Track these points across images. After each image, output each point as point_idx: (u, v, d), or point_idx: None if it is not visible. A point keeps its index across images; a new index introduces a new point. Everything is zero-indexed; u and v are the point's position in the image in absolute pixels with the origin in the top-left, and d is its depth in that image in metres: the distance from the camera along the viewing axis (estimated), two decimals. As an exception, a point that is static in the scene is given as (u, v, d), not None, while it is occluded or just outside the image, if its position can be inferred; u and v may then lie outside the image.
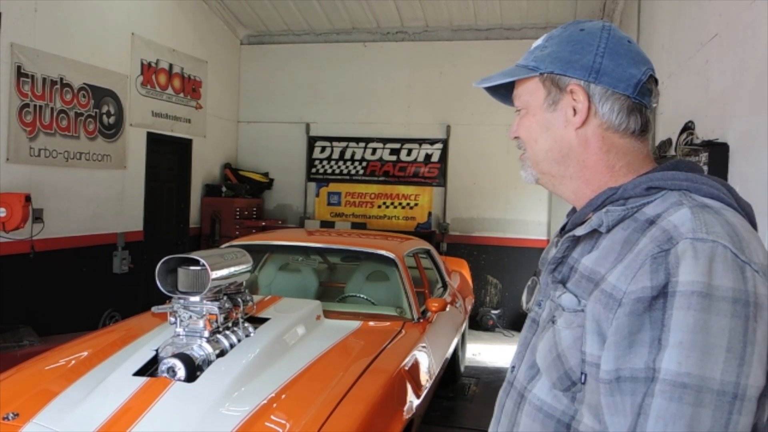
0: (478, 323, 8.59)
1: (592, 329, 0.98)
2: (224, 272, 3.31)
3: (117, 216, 7.11)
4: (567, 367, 1.03)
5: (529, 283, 1.29)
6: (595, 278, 1.01)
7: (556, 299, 1.09)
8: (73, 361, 3.37)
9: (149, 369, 3.14)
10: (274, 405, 2.89)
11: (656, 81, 1.16)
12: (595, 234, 1.07)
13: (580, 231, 1.10)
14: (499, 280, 9.03)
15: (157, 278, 3.26)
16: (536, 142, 1.17)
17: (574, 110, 1.12)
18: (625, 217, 1.03)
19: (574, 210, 1.23)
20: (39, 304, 5.83)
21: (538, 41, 1.20)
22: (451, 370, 5.73)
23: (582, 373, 1.01)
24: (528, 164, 1.21)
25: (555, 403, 1.06)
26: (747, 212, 1.06)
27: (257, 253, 5.37)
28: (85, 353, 3.44)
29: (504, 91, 1.26)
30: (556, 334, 1.06)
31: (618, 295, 0.95)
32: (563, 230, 1.21)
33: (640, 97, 1.11)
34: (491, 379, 6.41)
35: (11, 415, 2.76)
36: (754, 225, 1.07)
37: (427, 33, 9.27)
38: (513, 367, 1.21)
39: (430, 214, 9.30)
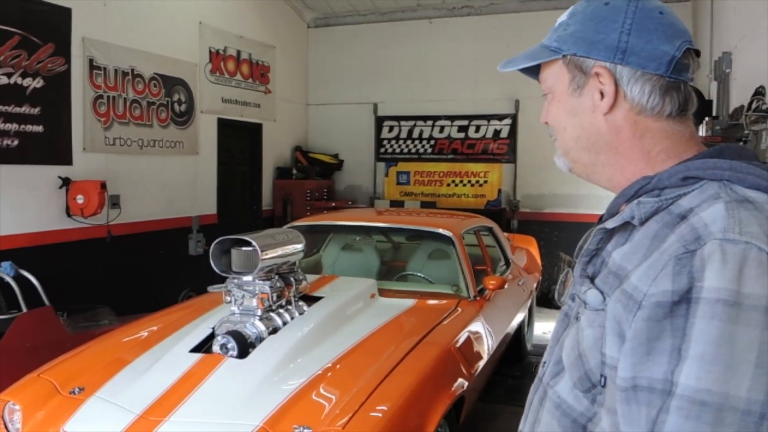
0: (550, 301, 8.43)
1: (613, 330, 0.92)
2: (275, 253, 3.39)
3: (191, 200, 7.39)
4: (587, 367, 0.98)
5: (563, 275, 1.25)
6: (621, 275, 0.94)
7: (581, 295, 1.03)
8: (138, 337, 3.55)
9: (206, 345, 3.27)
10: (323, 379, 2.96)
11: (697, 52, 1.06)
12: (629, 226, 1.00)
13: (610, 223, 1.03)
14: (572, 257, 8.80)
15: (211, 259, 3.39)
16: (565, 129, 1.11)
17: (602, 94, 1.04)
18: (660, 209, 0.95)
19: None
20: (117, 286, 6.15)
21: (563, 17, 1.12)
22: (517, 348, 5.67)
23: (602, 376, 0.95)
24: (559, 152, 1.15)
25: (575, 404, 1.02)
26: None
27: (320, 233, 5.48)
28: (146, 332, 3.62)
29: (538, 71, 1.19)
30: (579, 332, 1.01)
31: (638, 297, 0.88)
32: (600, 221, 1.12)
33: (677, 74, 1.02)
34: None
35: (77, 389, 2.94)
36: None
37: (493, 6, 9.09)
38: (544, 362, 1.16)
39: (500, 191, 9.17)
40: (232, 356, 3.07)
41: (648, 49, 1.01)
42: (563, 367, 1.05)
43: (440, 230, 4.76)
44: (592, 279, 1.02)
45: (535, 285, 6.23)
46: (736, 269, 0.81)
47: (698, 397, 0.79)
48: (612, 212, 1.06)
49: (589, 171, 1.12)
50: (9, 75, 5.07)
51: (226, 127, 8.03)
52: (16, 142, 5.17)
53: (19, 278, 4.53)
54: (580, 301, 1.03)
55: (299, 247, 3.66)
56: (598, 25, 1.05)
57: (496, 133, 9.17)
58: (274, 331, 3.30)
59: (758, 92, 3.87)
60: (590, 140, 1.08)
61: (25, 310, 4.38)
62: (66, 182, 5.58)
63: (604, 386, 0.95)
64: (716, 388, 0.78)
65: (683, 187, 0.96)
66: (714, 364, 0.79)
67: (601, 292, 0.98)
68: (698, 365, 0.79)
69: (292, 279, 3.56)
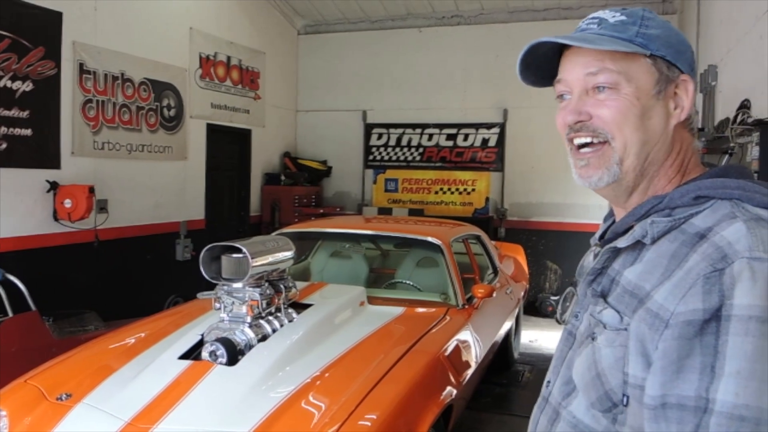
0: (537, 309, 8.47)
1: (636, 350, 0.93)
2: (265, 260, 3.40)
3: (179, 205, 7.37)
4: (608, 387, 0.98)
5: (565, 293, 1.25)
6: (640, 294, 0.95)
7: (596, 315, 1.03)
8: (127, 344, 3.53)
9: (195, 352, 3.26)
10: (312, 387, 2.96)
11: None
12: (638, 245, 1.01)
13: (622, 243, 1.04)
14: (559, 265, 8.88)
15: (201, 265, 3.38)
16: (635, 130, 1.05)
17: (675, 104, 1.07)
18: (672, 228, 0.97)
19: (611, 214, 1.17)
20: (104, 291, 6.11)
21: (617, 15, 1.08)
22: (504, 356, 5.69)
23: (624, 395, 0.96)
24: (612, 159, 1.06)
25: (593, 424, 1.01)
26: None
27: (308, 240, 5.48)
28: (135, 338, 3.60)
29: (534, 62, 1.14)
30: (595, 351, 1.01)
31: (665, 316, 0.89)
32: (602, 238, 1.14)
33: None
34: (547, 366, 6.29)
35: (64, 395, 2.92)
36: None
37: (482, 16, 9.15)
38: (548, 382, 1.16)
39: (487, 199, 9.21)
40: (221, 363, 3.06)
41: (695, 74, 1.10)
42: (574, 386, 1.06)
43: (429, 238, 4.78)
44: (604, 298, 1.03)
45: (522, 293, 6.27)
46: (765, 286, 0.84)
47: (737, 412, 0.80)
48: (618, 231, 1.08)
49: (633, 183, 1.08)
50: (-2, 78, 5.05)
51: (215, 133, 8.02)
52: (4, 146, 5.14)
53: (5, 282, 4.50)
54: (594, 320, 1.04)
55: (289, 254, 3.66)
56: (679, 37, 1.08)
57: (485, 141, 9.22)
58: (264, 338, 3.30)
59: (744, 105, 3.93)
60: (655, 147, 1.06)
61: (11, 314, 4.35)
62: (54, 186, 5.55)
63: (626, 405, 0.96)
64: (754, 402, 0.80)
65: (694, 206, 0.98)
66: (750, 380, 0.81)
67: (618, 312, 0.98)
68: (735, 381, 0.81)
69: (281, 286, 3.56)
